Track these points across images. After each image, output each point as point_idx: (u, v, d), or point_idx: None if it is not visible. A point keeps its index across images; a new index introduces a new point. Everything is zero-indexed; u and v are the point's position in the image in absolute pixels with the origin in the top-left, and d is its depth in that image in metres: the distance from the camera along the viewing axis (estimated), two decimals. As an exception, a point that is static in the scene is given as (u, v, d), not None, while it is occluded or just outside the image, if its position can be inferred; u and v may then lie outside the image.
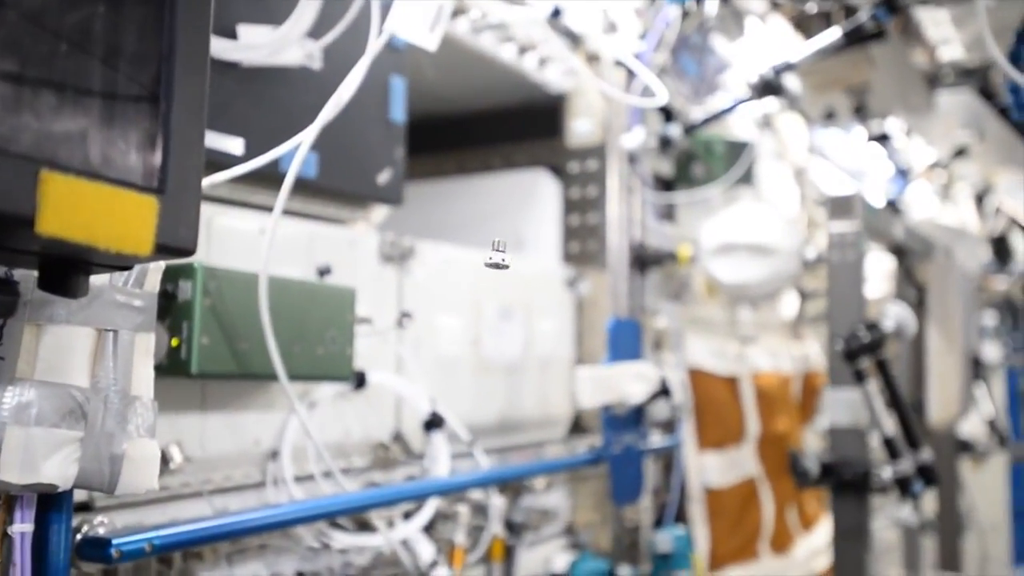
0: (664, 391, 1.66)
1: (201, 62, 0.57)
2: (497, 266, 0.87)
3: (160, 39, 0.55)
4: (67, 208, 0.48)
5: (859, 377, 1.70)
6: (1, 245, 0.51)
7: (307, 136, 1.05)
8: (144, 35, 0.54)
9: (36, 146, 0.48)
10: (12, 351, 0.69)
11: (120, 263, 0.58)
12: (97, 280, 0.72)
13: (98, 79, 0.52)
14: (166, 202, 0.54)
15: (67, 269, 0.54)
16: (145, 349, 0.78)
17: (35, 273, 0.60)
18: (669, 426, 1.91)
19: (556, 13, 1.81)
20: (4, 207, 0.46)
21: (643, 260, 2.07)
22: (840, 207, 1.88)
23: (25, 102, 0.49)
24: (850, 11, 2.11)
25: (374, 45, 1.09)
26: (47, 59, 0.49)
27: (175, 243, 0.55)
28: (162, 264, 0.78)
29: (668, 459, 2.06)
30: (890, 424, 1.70)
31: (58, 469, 0.71)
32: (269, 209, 1.29)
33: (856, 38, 1.73)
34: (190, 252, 0.58)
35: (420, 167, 2.38)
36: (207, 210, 1.18)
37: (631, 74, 2.01)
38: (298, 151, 1.04)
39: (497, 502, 1.47)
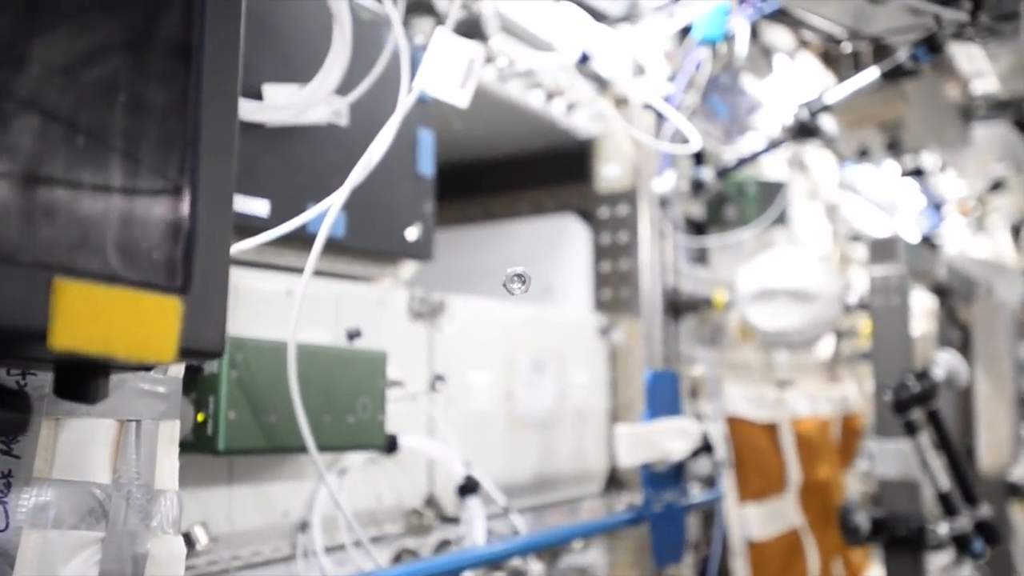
0: (706, 446, 1.60)
1: (228, 149, 0.53)
2: (510, 290, 0.83)
3: (184, 126, 0.51)
4: (83, 318, 0.44)
5: (910, 429, 1.63)
6: (14, 355, 0.47)
7: (337, 199, 1.01)
8: (167, 123, 0.50)
9: (49, 252, 0.44)
10: (29, 449, 0.65)
11: (140, 368, 0.54)
12: (119, 367, 0.68)
13: (117, 173, 0.48)
14: (191, 302, 0.50)
15: (84, 375, 0.50)
16: (170, 438, 0.73)
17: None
18: (709, 479, 1.84)
19: (584, 59, 1.78)
20: (15, 322, 0.42)
21: (677, 306, 2.02)
22: (882, 250, 1.82)
23: (38, 204, 0.45)
24: (881, 48, 2.06)
25: (404, 103, 1.05)
26: (62, 156, 0.45)
27: (200, 346, 0.51)
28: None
29: (708, 512, 1.99)
30: (944, 478, 1.63)
31: (77, 573, 0.66)
32: (296, 270, 1.25)
33: (893, 77, 1.68)
34: (217, 354, 0.53)
35: (446, 214, 2.34)
36: (233, 274, 1.15)
37: (661, 117, 1.97)
38: (328, 215, 1.00)
39: (536, 568, 1.41)
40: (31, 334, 0.43)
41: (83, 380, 0.50)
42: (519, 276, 0.78)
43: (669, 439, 1.53)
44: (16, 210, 0.43)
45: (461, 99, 1.08)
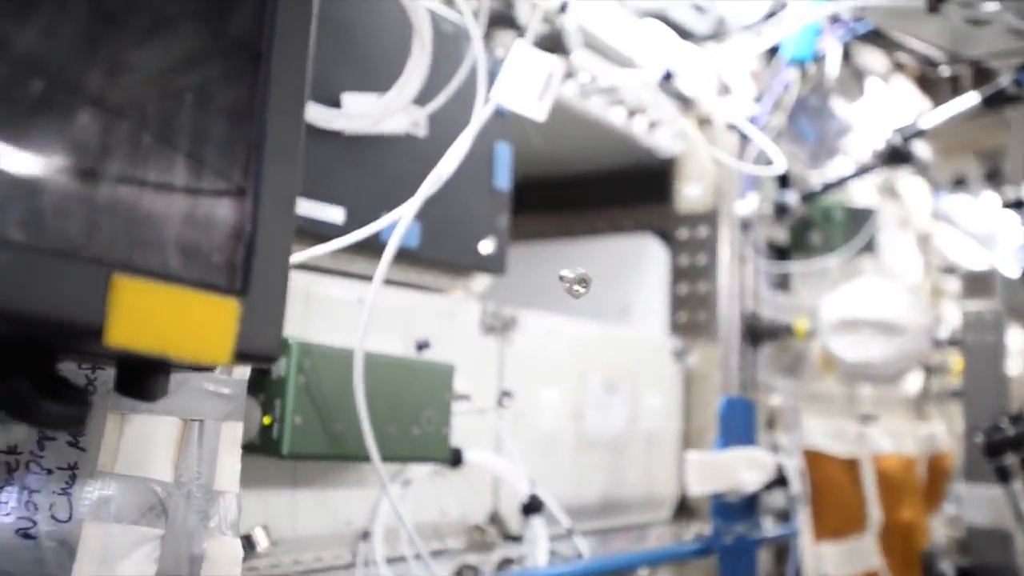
0: (781, 479, 1.54)
1: (293, 152, 0.53)
2: (572, 292, 0.81)
3: (251, 129, 0.51)
4: (139, 316, 0.44)
5: (1002, 475, 1.54)
6: (74, 350, 0.48)
7: (408, 210, 1.01)
8: (233, 125, 0.50)
9: (109, 248, 0.45)
10: (94, 442, 0.65)
11: (197, 368, 0.54)
12: (185, 366, 0.68)
13: (181, 173, 0.48)
14: (248, 305, 0.49)
15: (144, 372, 0.50)
16: (232, 439, 0.74)
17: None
18: (784, 513, 1.78)
19: (668, 76, 1.75)
20: (72, 317, 0.42)
21: (756, 332, 1.96)
22: (976, 284, 1.74)
23: (101, 201, 0.45)
24: (982, 72, 1.98)
25: (480, 115, 1.05)
26: (127, 153, 0.46)
27: (256, 349, 0.50)
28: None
29: (782, 548, 1.92)
30: (1038, 527, 1.54)
31: (136, 570, 0.66)
32: (369, 278, 1.26)
33: (995, 103, 1.60)
34: (273, 358, 0.53)
35: (522, 229, 2.33)
36: (305, 280, 1.16)
37: (745, 138, 1.92)
38: (399, 224, 1.00)
39: (597, 594, 1.37)
40: (88, 329, 0.43)
41: (143, 377, 0.51)
42: (583, 279, 0.76)
43: (742, 469, 1.48)
44: (79, 206, 0.43)
45: (538, 112, 1.07)
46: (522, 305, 1.53)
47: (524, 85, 1.07)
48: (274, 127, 0.52)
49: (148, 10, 0.47)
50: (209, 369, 0.58)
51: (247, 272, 0.50)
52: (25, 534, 0.61)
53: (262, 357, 0.52)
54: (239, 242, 0.50)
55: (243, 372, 0.75)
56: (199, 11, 0.49)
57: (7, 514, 0.61)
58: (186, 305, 0.46)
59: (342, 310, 1.18)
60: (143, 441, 0.67)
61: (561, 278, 0.80)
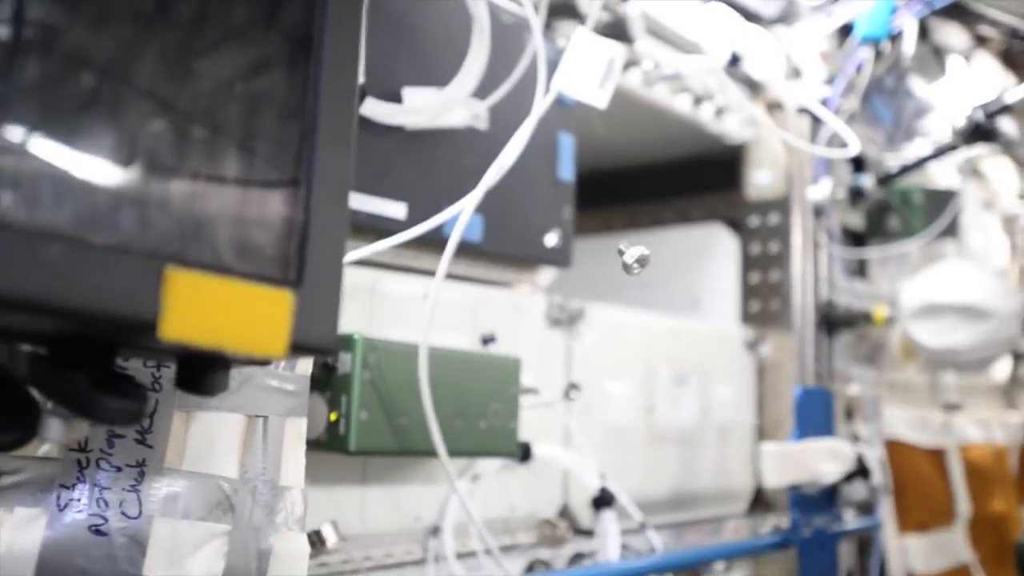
0: (861, 470, 1.49)
1: (345, 142, 0.52)
2: (628, 269, 0.79)
3: (302, 120, 0.51)
4: (193, 309, 0.44)
5: (1098, 462, 1.46)
6: (130, 345, 0.48)
7: (469, 203, 1.00)
8: (285, 116, 0.50)
9: (163, 241, 0.45)
10: (162, 439, 0.66)
11: (253, 362, 0.54)
12: (249, 362, 0.68)
13: (233, 164, 0.48)
14: (303, 296, 0.49)
15: (204, 367, 0.50)
16: (297, 435, 0.74)
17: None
18: (866, 505, 1.72)
19: (735, 60, 1.71)
20: (126, 311, 0.43)
21: (832, 321, 1.90)
22: (1067, 264, 1.65)
23: (153, 195, 0.45)
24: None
25: (540, 105, 1.03)
26: (179, 146, 0.46)
27: (312, 342, 0.50)
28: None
29: (865, 540, 1.86)
30: None
31: (205, 565, 0.67)
32: (433, 273, 1.26)
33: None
34: (329, 351, 0.53)
35: (589, 222, 2.31)
36: (371, 276, 1.16)
37: (817, 122, 1.87)
38: (460, 217, 1.00)
39: (672, 589, 1.35)
40: (141, 323, 0.43)
41: (203, 373, 0.51)
42: (641, 259, 0.74)
43: (820, 460, 1.43)
44: (131, 200, 0.44)
45: (599, 100, 1.05)
46: (592, 298, 1.51)
47: (585, 73, 1.05)
48: (326, 117, 0.51)
49: (199, 0, 0.47)
50: (266, 363, 0.58)
51: (301, 264, 0.50)
52: (97, 530, 0.63)
53: (318, 349, 0.51)
54: (292, 234, 0.50)
55: (306, 367, 0.75)
56: (250, 1, 0.49)
57: (79, 511, 0.62)
58: (240, 297, 0.46)
59: (408, 306, 1.18)
60: (209, 438, 0.68)
61: (620, 252, 0.79)
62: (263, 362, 0.55)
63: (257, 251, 0.48)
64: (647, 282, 2.08)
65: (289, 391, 0.73)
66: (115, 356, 0.49)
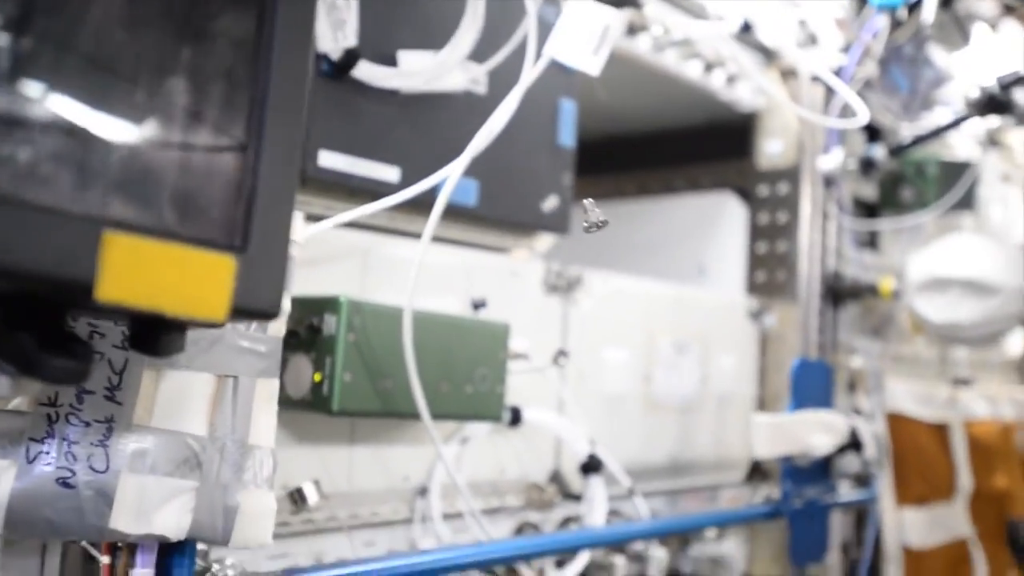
0: (854, 443, 1.49)
1: (297, 108, 0.52)
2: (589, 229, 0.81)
3: (253, 83, 0.51)
4: (131, 272, 0.45)
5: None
6: (74, 305, 0.49)
7: (456, 168, 1.00)
8: (234, 79, 0.50)
9: (103, 204, 0.45)
10: (130, 396, 0.68)
11: (199, 324, 0.55)
12: (220, 323, 0.70)
13: (179, 128, 0.49)
14: (247, 261, 0.50)
15: (158, 328, 0.51)
16: (268, 396, 0.75)
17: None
18: (862, 478, 1.72)
19: (747, 28, 1.68)
20: (63, 272, 0.43)
21: (838, 292, 1.89)
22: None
23: (93, 156, 0.46)
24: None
25: (532, 71, 1.03)
26: (120, 108, 0.46)
27: (255, 306, 0.51)
28: (287, 307, 0.74)
29: (862, 512, 1.87)
30: None
31: (171, 520, 0.69)
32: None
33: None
34: (273, 315, 0.53)
35: (599, 188, 2.30)
36: (365, 239, 1.17)
37: (831, 91, 1.84)
38: (447, 183, 1.00)
39: (658, 554, 1.36)
40: (79, 285, 0.44)
41: (156, 334, 0.52)
42: (599, 222, 0.75)
43: (811, 432, 1.43)
44: (69, 161, 0.44)
45: (592, 66, 1.04)
46: (603, 265, 1.51)
47: (579, 39, 1.04)
48: (277, 81, 0.52)
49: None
50: (215, 325, 0.59)
51: (247, 229, 0.50)
52: (65, 483, 0.64)
53: (263, 313, 0.52)
54: (239, 199, 0.50)
55: (278, 329, 0.76)
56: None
57: (47, 464, 0.64)
58: (180, 261, 0.46)
59: (403, 270, 1.18)
60: (179, 396, 0.69)
61: (584, 209, 0.79)
62: (211, 324, 0.56)
63: (202, 215, 0.49)
64: (655, 248, 2.08)
65: (260, 352, 0.74)
66: (64, 316, 0.50)
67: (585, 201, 0.79)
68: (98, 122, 0.46)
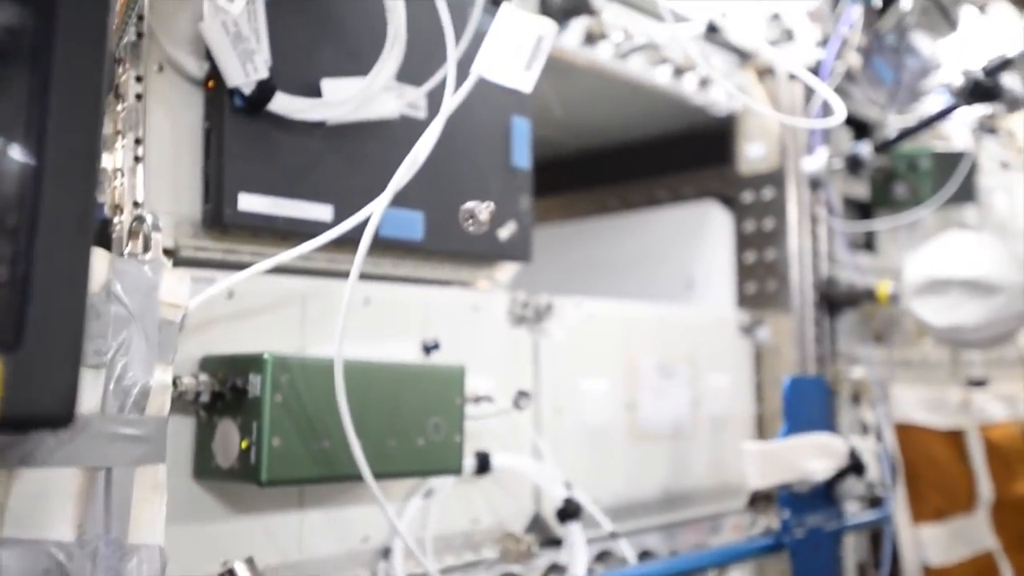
0: (855, 466, 1.38)
1: (87, 172, 0.43)
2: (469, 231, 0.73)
3: (28, 145, 0.42)
4: None
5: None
6: None
7: (380, 203, 0.91)
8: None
9: None
10: (-22, 503, 0.59)
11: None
12: (87, 408, 0.61)
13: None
14: (19, 361, 0.41)
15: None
16: (151, 485, 0.66)
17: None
18: (873, 498, 1.61)
19: (712, 29, 1.59)
20: None
21: (833, 299, 1.79)
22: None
23: None
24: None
25: (459, 93, 0.94)
26: None
27: (33, 412, 0.42)
28: (169, 384, 0.65)
29: (877, 533, 1.75)
30: None
31: (33, 643, 0.59)
32: (375, 278, 1.17)
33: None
34: (61, 421, 0.44)
35: (581, 205, 2.21)
36: (301, 285, 1.08)
37: (811, 88, 1.74)
38: (372, 219, 0.91)
39: (651, 601, 1.26)
40: None
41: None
42: (471, 213, 0.67)
43: (807, 457, 1.33)
44: None
45: (525, 83, 0.95)
46: (590, 285, 1.41)
47: (509, 54, 0.95)
48: (55, 142, 0.42)
49: None
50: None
51: (20, 321, 0.41)
52: None
53: (44, 420, 0.43)
54: (8, 288, 0.41)
55: (159, 407, 0.67)
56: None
57: None
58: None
59: (348, 315, 1.09)
60: (35, 498, 0.60)
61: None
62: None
63: (-40, 309, 0.40)
64: (639, 265, 1.98)
65: (137, 436, 0.65)
66: None
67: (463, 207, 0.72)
68: None
